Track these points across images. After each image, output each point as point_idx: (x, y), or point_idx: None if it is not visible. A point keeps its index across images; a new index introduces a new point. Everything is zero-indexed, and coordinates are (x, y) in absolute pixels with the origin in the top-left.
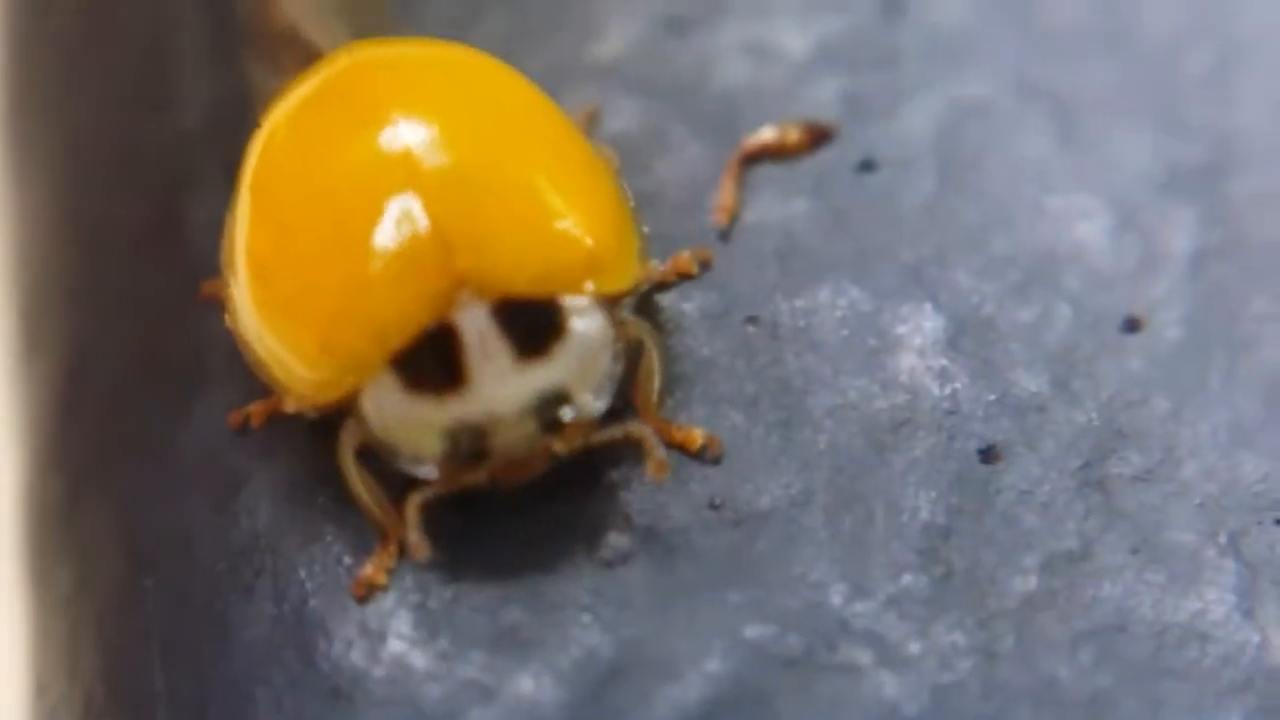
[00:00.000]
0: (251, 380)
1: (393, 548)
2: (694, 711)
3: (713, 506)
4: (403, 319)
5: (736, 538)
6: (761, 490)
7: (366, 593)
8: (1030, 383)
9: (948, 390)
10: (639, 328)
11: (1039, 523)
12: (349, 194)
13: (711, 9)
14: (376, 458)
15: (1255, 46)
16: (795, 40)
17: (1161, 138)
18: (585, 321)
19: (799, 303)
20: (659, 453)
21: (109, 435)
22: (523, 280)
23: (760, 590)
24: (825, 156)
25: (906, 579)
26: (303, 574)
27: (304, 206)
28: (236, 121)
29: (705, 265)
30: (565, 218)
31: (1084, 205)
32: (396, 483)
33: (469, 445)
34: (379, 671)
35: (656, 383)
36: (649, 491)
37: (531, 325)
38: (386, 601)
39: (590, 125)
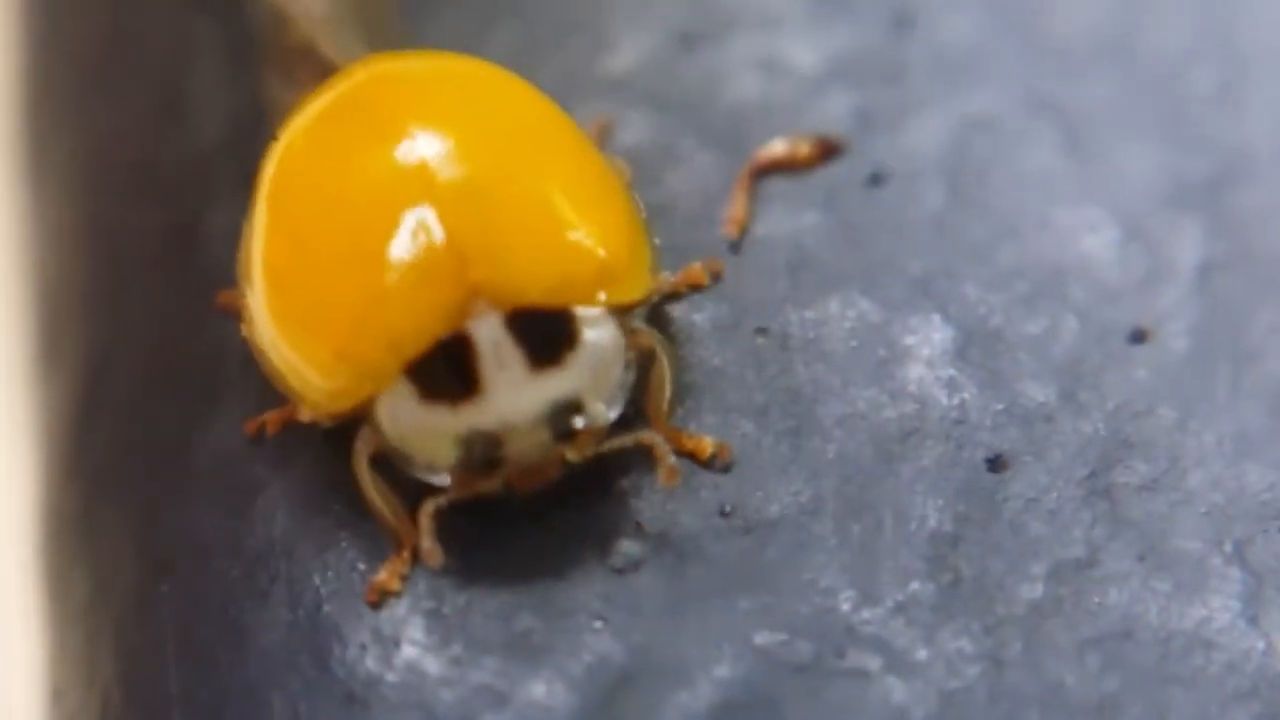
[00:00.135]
0: (267, 389)
1: (406, 554)
2: (704, 717)
3: (723, 514)
4: (418, 329)
5: (746, 545)
6: (771, 498)
7: (380, 599)
8: (1037, 393)
9: (956, 400)
10: (650, 338)
11: (1046, 531)
12: (365, 206)
13: (722, 24)
14: (391, 465)
15: (1261, 61)
16: (805, 55)
17: (1168, 151)
18: (598, 332)
19: (809, 314)
20: (670, 460)
21: (126, 443)
22: (536, 291)
23: (770, 597)
24: (835, 170)
25: (915, 586)
26: (317, 580)
27: (320, 218)
28: (253, 134)
29: (716, 277)
30: (578, 229)
31: (1091, 218)
32: (410, 490)
33: (483, 453)
34: (393, 677)
35: (667, 392)
36: (660, 499)
37: (545, 335)
38: (400, 607)
39: (602, 138)
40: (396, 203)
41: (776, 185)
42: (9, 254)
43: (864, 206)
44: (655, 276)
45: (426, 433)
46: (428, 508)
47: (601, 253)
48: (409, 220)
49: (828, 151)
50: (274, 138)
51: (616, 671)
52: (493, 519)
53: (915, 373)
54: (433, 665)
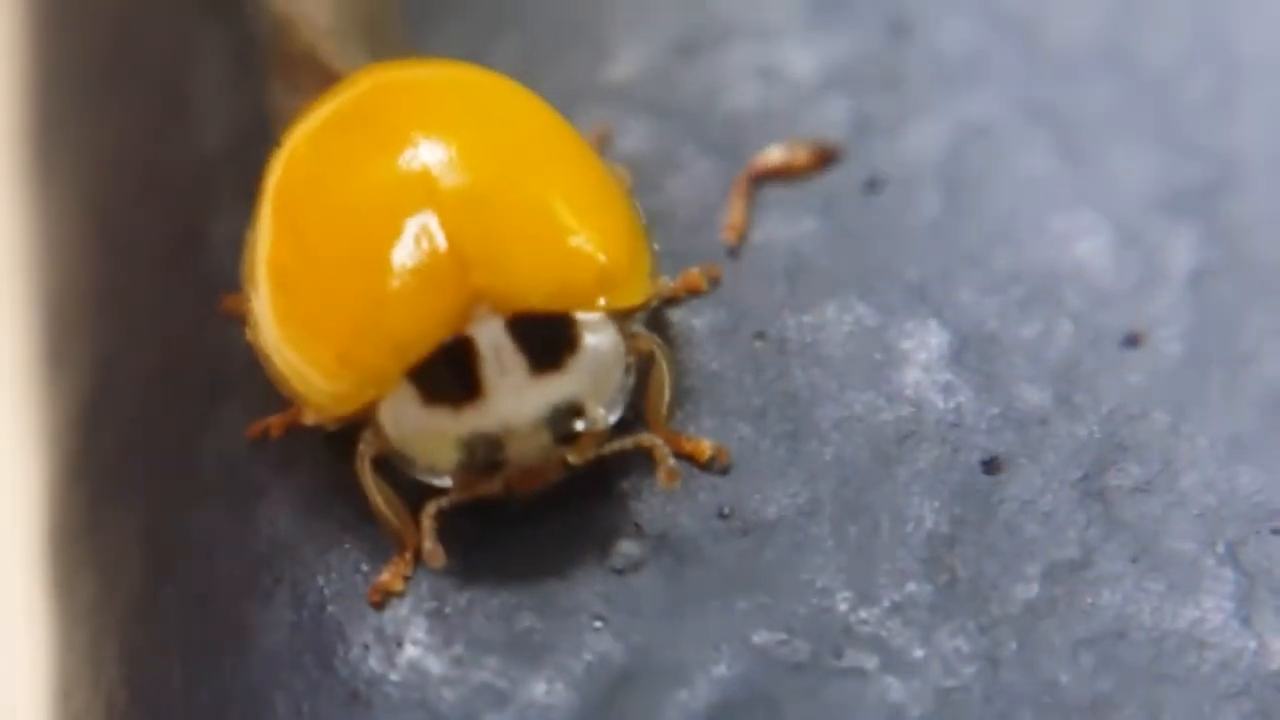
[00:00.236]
0: (271, 393)
1: (409, 555)
2: (703, 716)
3: (721, 516)
4: (420, 334)
5: (745, 546)
6: (769, 500)
7: (383, 599)
8: (1032, 396)
9: (952, 404)
10: (650, 342)
11: (1041, 532)
12: (369, 212)
13: (721, 32)
14: (393, 468)
15: (1255, 68)
16: (803, 62)
17: (1162, 157)
18: (598, 336)
19: (806, 318)
20: (669, 462)
21: (131, 446)
22: (537, 296)
23: (768, 597)
24: (832, 176)
25: (911, 586)
26: (321, 581)
27: (324, 223)
28: (257, 141)
29: (715, 282)
30: (579, 235)
31: (1086, 224)
32: (413, 492)
33: (484, 456)
34: (395, 676)
35: (667, 395)
36: (659, 501)
37: (546, 339)
38: (403, 608)
39: (602, 145)
40: (399, 209)
41: (774, 192)
42: (16, 258)
43: (861, 212)
44: (655, 282)
45: (428, 435)
46: (430, 509)
47: (602, 258)
48: (412, 226)
49: (825, 158)
50: (278, 144)
51: (616, 671)
52: (494, 520)
53: (912, 376)
54: (435, 665)
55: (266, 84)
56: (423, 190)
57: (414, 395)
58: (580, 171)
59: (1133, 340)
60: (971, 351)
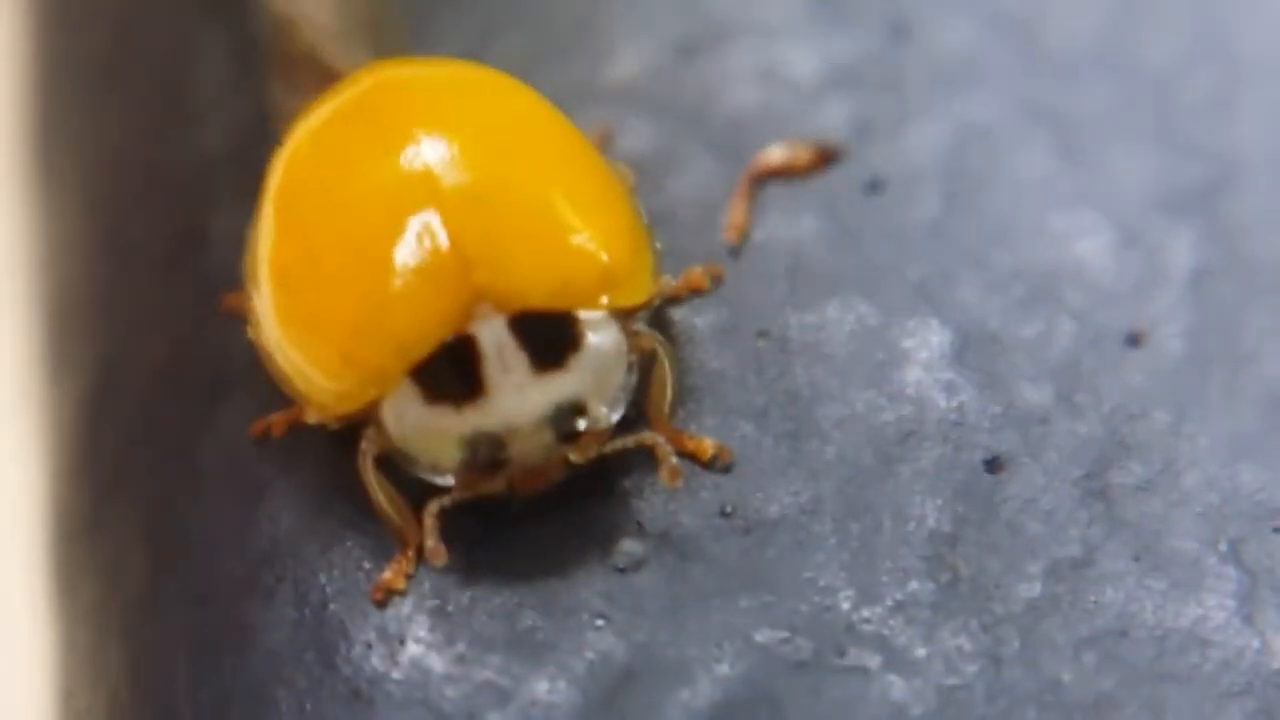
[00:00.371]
0: (273, 391)
1: (411, 554)
2: (705, 714)
3: (723, 514)
4: (423, 332)
5: (747, 544)
6: (771, 499)
7: (385, 597)
8: (1034, 395)
9: (954, 403)
10: (652, 340)
11: (1043, 530)
12: (371, 210)
13: (722, 33)
14: (396, 466)
15: (1254, 68)
16: (804, 63)
17: (1162, 157)
18: (600, 335)
19: (808, 317)
20: (672, 461)
21: (134, 445)
22: (540, 295)
23: (770, 595)
24: (833, 176)
25: (913, 585)
26: (323, 579)
27: (327, 222)
28: (258, 141)
29: (717, 281)
30: (581, 234)
31: (1086, 223)
32: (415, 490)
33: (487, 454)
34: (397, 674)
35: (669, 394)
36: (661, 499)
37: (548, 338)
38: (405, 606)
39: (604, 145)
40: (401, 208)
41: (776, 191)
42: (18, 258)
43: (862, 212)
44: (657, 281)
45: (431, 434)
46: (432, 508)
47: (604, 257)
48: (414, 225)
49: (826, 158)
50: (279, 143)
51: (619, 669)
52: (496, 519)
53: (913, 375)
54: (437, 663)
55: (267, 84)
56: (425, 189)
57: (416, 394)
58: (582, 170)
59: (1134, 339)
60: (973, 350)
